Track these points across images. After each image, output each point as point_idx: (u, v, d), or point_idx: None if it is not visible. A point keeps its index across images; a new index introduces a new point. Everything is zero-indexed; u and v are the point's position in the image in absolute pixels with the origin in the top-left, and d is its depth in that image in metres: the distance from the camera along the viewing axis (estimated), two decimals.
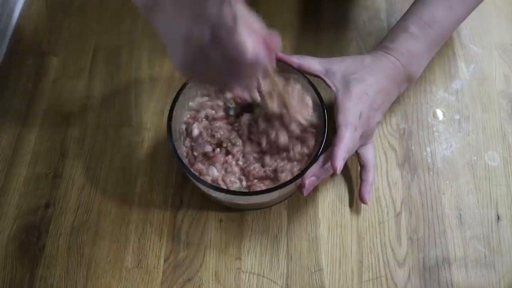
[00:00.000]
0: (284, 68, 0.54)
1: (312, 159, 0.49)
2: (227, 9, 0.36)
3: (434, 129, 0.61)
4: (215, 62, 0.39)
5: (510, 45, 0.67)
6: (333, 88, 0.52)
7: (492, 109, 0.63)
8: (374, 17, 0.70)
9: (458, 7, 0.54)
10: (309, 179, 0.49)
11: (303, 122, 0.50)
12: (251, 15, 0.39)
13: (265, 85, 0.50)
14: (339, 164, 0.47)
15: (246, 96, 0.52)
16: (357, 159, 0.56)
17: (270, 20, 0.67)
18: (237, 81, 0.42)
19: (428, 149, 0.60)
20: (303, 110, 0.51)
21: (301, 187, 0.50)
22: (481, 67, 0.66)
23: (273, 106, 0.50)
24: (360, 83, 0.51)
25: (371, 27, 0.69)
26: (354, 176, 0.58)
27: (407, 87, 0.57)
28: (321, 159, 0.50)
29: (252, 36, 0.38)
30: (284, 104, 0.50)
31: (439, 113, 0.62)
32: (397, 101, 0.57)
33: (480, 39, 0.68)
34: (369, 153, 0.55)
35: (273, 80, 0.48)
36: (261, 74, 0.42)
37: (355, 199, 0.57)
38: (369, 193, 0.55)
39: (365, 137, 0.53)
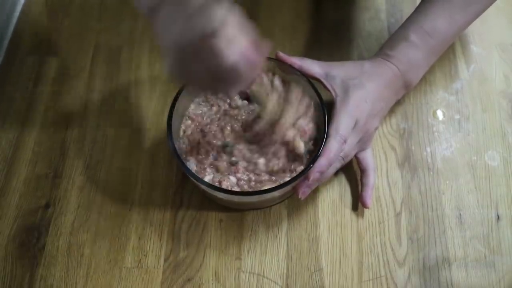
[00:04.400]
0: (285, 69, 0.54)
1: (312, 159, 0.49)
2: (214, 15, 0.37)
3: (434, 129, 0.61)
4: (198, 68, 0.39)
5: (510, 45, 0.67)
6: (333, 93, 0.52)
7: (492, 109, 0.63)
8: (374, 17, 0.70)
9: (459, 17, 0.54)
10: (303, 188, 0.50)
11: (289, 138, 0.50)
12: (243, 21, 0.39)
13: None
14: (313, 176, 0.48)
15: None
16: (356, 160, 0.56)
17: (270, 21, 0.69)
18: (219, 87, 0.42)
19: (428, 149, 0.60)
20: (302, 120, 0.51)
21: (296, 188, 0.50)
22: (481, 67, 0.66)
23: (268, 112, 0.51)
24: (359, 89, 0.51)
25: (371, 27, 0.69)
26: (354, 176, 0.58)
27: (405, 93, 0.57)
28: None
29: (235, 44, 0.38)
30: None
31: (439, 113, 0.62)
32: (397, 101, 0.57)
33: (480, 39, 0.68)
34: (368, 158, 0.56)
35: (264, 84, 0.49)
36: (246, 81, 0.42)
37: (355, 199, 0.57)
38: (371, 197, 0.55)
39: (363, 143, 0.54)
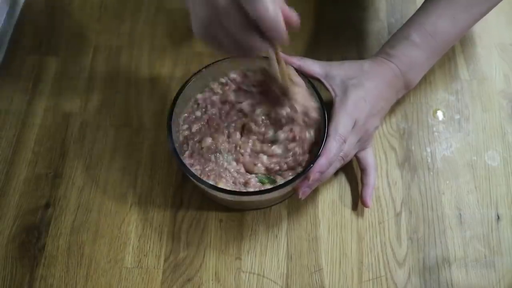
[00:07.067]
0: None
1: (313, 159, 0.49)
2: None
3: (434, 129, 0.61)
4: (234, 23, 0.39)
5: (510, 45, 0.67)
6: (332, 93, 0.52)
7: (492, 109, 0.63)
8: (374, 17, 0.70)
9: (462, 19, 0.54)
10: (304, 188, 0.50)
11: (307, 104, 0.51)
12: None
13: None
14: (313, 176, 0.48)
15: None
16: (356, 159, 0.56)
17: None
18: (253, 45, 0.42)
19: (428, 149, 0.60)
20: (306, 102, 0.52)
21: (297, 189, 0.50)
22: (481, 67, 0.66)
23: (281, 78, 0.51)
24: (358, 89, 0.51)
25: (371, 27, 0.69)
26: (354, 176, 0.58)
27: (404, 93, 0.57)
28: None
29: (274, 2, 0.38)
30: (290, 81, 0.51)
31: (439, 113, 0.62)
32: (397, 101, 0.57)
33: (480, 39, 0.68)
34: (369, 157, 0.55)
35: (279, 57, 0.48)
36: (274, 42, 0.43)
37: (355, 199, 0.57)
38: (371, 196, 0.55)
39: (363, 142, 0.54)
